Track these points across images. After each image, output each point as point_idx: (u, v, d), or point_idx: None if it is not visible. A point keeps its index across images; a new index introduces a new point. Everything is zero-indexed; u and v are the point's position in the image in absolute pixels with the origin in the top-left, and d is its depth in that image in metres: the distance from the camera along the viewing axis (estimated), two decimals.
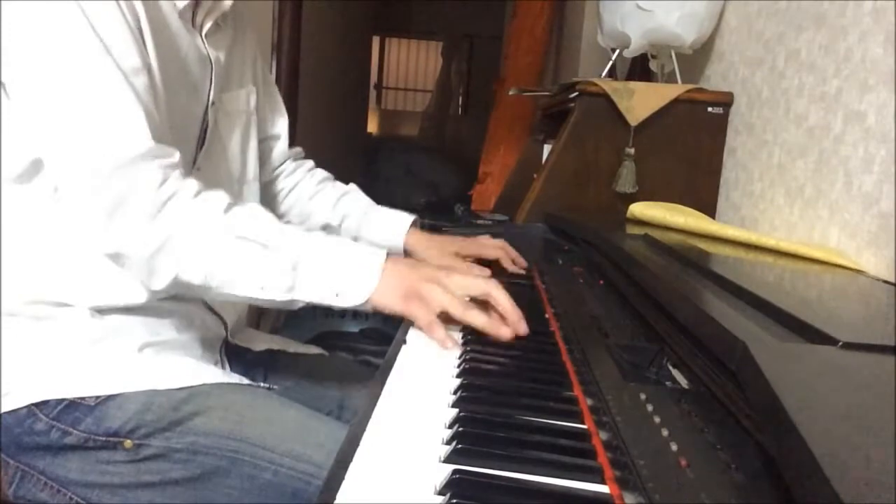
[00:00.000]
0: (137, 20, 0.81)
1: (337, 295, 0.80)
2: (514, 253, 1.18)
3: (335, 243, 0.84)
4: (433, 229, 1.25)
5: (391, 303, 0.81)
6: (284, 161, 1.22)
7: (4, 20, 0.76)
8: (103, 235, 0.79)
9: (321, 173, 1.25)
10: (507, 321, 0.79)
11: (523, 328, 0.79)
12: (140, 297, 0.87)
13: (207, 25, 0.94)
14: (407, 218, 1.17)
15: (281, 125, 1.20)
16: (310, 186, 1.22)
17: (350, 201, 1.20)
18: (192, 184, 0.81)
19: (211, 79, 0.96)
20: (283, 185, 1.22)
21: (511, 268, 1.16)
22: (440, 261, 1.12)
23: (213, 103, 0.97)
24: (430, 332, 0.78)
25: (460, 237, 1.20)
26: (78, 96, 0.77)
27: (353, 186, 1.23)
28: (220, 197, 0.82)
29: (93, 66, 0.77)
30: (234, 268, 0.80)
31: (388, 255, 0.83)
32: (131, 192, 0.77)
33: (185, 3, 0.89)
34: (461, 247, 1.15)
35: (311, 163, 1.26)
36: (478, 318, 0.78)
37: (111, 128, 0.77)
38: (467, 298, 0.81)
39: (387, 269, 0.81)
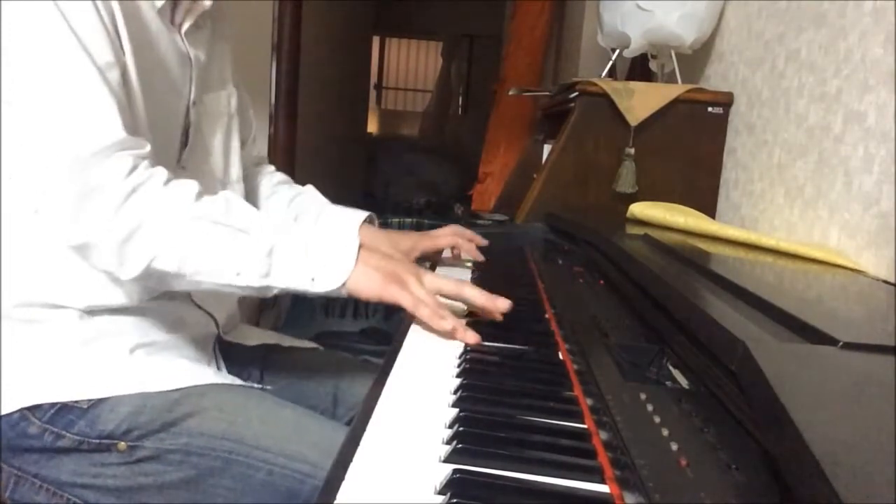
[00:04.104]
0: (113, 19, 0.81)
1: (313, 280, 0.80)
2: (468, 233, 1.15)
3: (309, 230, 0.85)
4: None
5: (368, 287, 0.80)
6: (247, 166, 1.20)
7: None
8: (72, 227, 0.78)
9: (280, 176, 1.24)
10: (487, 310, 0.82)
11: (504, 304, 0.81)
12: (131, 297, 0.87)
13: (187, 24, 0.94)
14: (359, 215, 1.14)
15: (250, 130, 1.19)
16: (266, 188, 1.21)
17: (304, 200, 1.19)
18: (161, 171, 0.80)
19: (191, 77, 0.96)
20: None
21: (469, 248, 1.14)
22: None
23: (194, 102, 0.97)
24: (418, 312, 0.79)
25: (411, 233, 1.17)
26: (52, 90, 0.76)
27: (309, 187, 1.21)
28: (190, 185, 0.81)
29: (67, 61, 0.77)
30: (209, 253, 0.79)
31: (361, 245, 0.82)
32: (101, 181, 0.77)
33: (164, 1, 0.89)
34: (415, 242, 1.12)
35: (271, 167, 1.26)
36: (444, 324, 0.78)
37: (84, 119, 0.77)
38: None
39: (363, 256, 0.81)
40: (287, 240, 0.81)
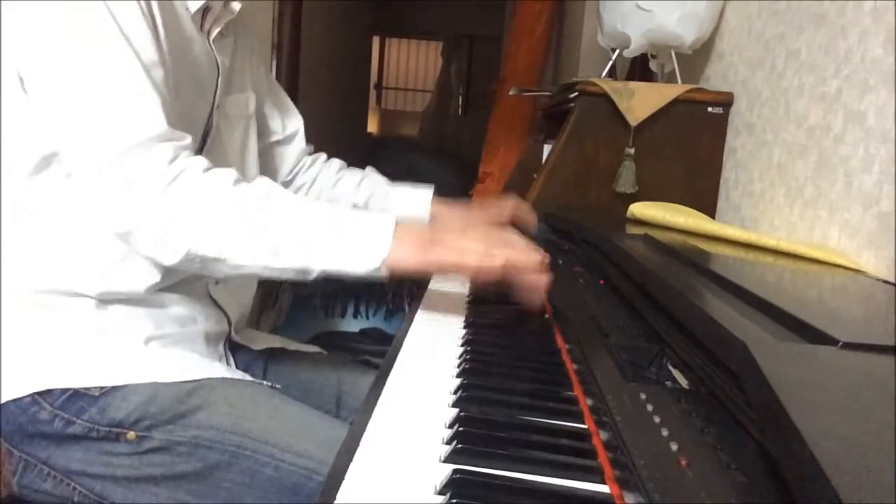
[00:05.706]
0: (154, 20, 0.83)
1: (351, 260, 0.80)
2: (526, 206, 1.28)
3: (345, 210, 0.85)
4: None
5: (408, 258, 0.80)
6: (302, 158, 1.27)
7: (28, 15, 0.78)
8: (116, 213, 0.80)
9: (337, 162, 1.31)
10: (531, 272, 0.81)
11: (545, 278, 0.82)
12: (146, 284, 0.88)
13: (215, 32, 0.96)
14: (428, 190, 1.24)
15: (295, 125, 1.25)
16: (330, 176, 1.28)
17: (371, 182, 1.27)
18: (201, 160, 0.82)
19: (217, 83, 0.98)
20: (303, 179, 1.27)
21: (530, 216, 1.27)
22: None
23: (217, 106, 0.99)
24: (465, 260, 0.79)
25: (480, 207, 1.28)
26: (98, 83, 0.78)
27: (370, 169, 1.30)
28: (229, 172, 0.83)
29: (114, 56, 0.78)
30: (248, 237, 0.80)
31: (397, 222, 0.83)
32: (143, 170, 0.78)
33: (197, 7, 0.91)
34: (487, 215, 1.21)
35: (324, 155, 1.31)
36: (495, 261, 0.78)
37: (128, 112, 0.79)
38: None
39: (399, 230, 0.81)
40: (325, 223, 0.81)
